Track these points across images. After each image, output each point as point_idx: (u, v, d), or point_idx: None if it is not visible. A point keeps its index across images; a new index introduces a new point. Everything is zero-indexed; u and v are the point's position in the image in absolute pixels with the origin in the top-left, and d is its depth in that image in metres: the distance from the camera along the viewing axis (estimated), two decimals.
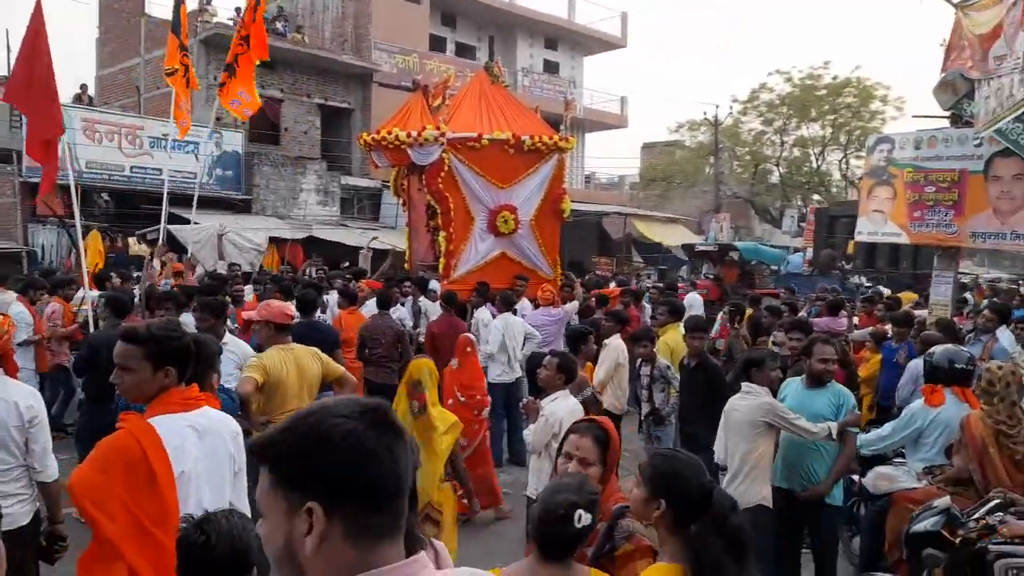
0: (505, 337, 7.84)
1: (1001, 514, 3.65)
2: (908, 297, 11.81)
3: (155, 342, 2.54)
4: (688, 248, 23.39)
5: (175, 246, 14.76)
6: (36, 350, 7.43)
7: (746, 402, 4.49)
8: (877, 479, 4.84)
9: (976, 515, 3.71)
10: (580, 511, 2.16)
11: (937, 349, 5.03)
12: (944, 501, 3.86)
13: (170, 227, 14.90)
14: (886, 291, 13.96)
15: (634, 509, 2.39)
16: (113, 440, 2.45)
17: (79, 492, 2.36)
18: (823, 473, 4.50)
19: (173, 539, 2.35)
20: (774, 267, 20.84)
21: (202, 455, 2.56)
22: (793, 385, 4.80)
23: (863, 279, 17.23)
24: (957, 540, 3.62)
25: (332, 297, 8.86)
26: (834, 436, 4.40)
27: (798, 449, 4.56)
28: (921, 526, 3.83)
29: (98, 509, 2.33)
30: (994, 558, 3.49)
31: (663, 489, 2.23)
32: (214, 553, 1.90)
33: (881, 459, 5.11)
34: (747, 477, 4.37)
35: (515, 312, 8.50)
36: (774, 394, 4.67)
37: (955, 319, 8.91)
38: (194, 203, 10.46)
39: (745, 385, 4.59)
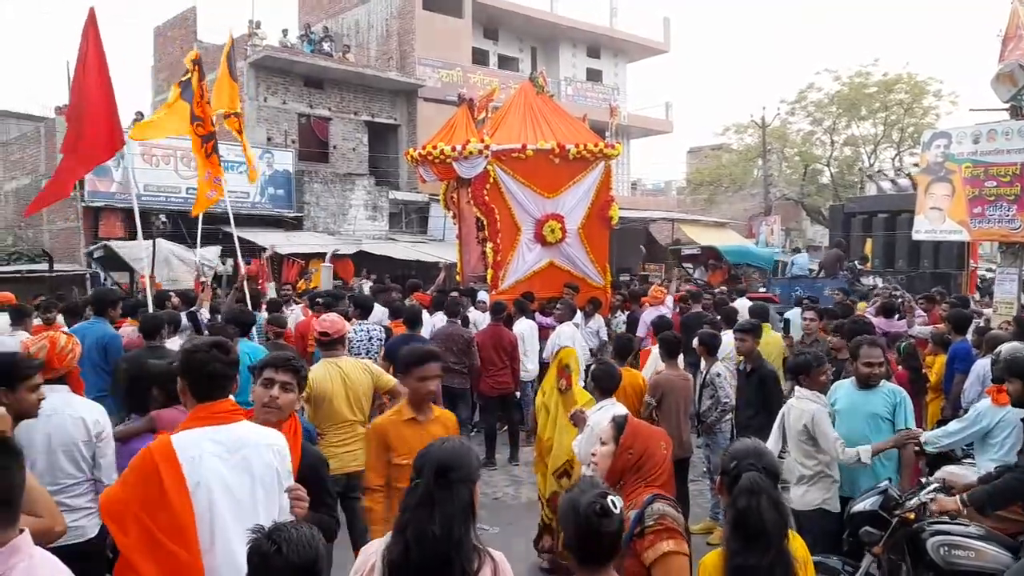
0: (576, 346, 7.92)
1: (934, 493, 3.86)
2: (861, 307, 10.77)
3: (180, 355, 2.73)
4: (675, 252, 22.85)
5: (118, 263, 14.87)
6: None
7: (796, 409, 4.45)
8: (946, 478, 4.71)
9: (914, 496, 3.91)
10: (611, 498, 2.17)
11: (1004, 347, 4.89)
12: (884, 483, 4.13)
13: (112, 243, 15.17)
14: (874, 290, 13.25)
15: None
16: (135, 458, 2.54)
17: (103, 509, 2.47)
18: (885, 477, 4.37)
19: (191, 551, 2.41)
20: (765, 269, 20.22)
21: (229, 468, 2.55)
22: (844, 387, 4.68)
23: (879, 280, 16.30)
24: (894, 519, 3.86)
25: (378, 309, 8.95)
26: (864, 461, 4.24)
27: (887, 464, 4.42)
28: (860, 506, 4.04)
29: (114, 523, 2.41)
30: (928, 536, 3.77)
31: (723, 464, 2.53)
32: (286, 562, 1.93)
33: (948, 458, 4.95)
34: (809, 482, 4.35)
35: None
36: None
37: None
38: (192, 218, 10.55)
39: (797, 390, 4.52)
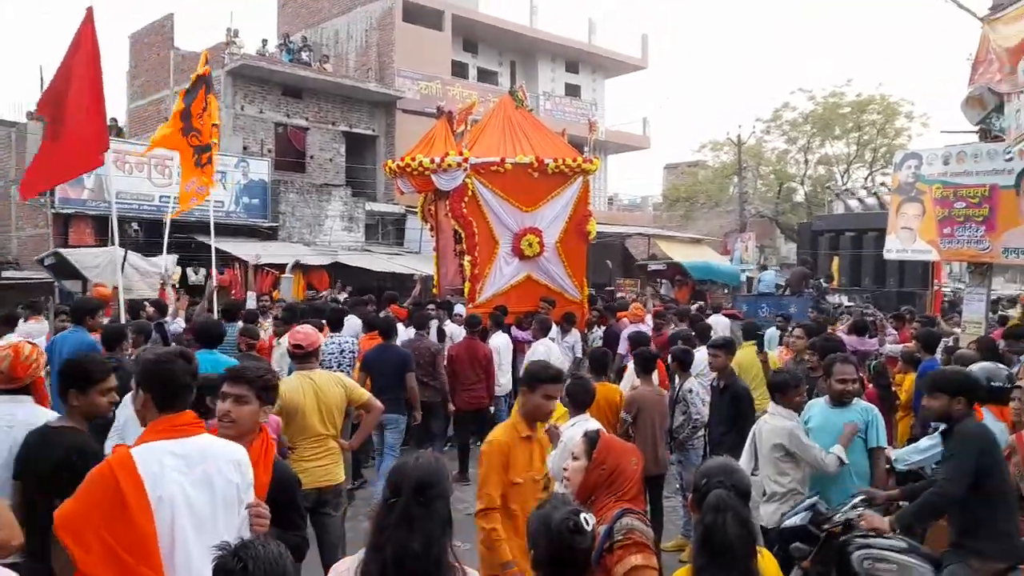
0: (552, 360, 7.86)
1: (862, 508, 3.92)
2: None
3: (141, 365, 2.65)
4: (643, 268, 22.94)
5: (69, 271, 14.42)
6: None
7: (769, 425, 4.46)
8: (868, 492, 4.77)
9: (841, 511, 3.97)
10: (583, 515, 2.17)
11: (975, 367, 4.95)
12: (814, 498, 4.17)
13: (63, 251, 14.86)
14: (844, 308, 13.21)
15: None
16: (93, 472, 2.45)
17: (58, 524, 2.35)
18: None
19: (154, 567, 2.35)
20: (730, 285, 20.32)
21: (189, 482, 2.49)
22: (818, 405, 4.70)
23: (844, 298, 16.21)
24: (822, 534, 3.93)
25: (352, 321, 8.89)
26: (845, 460, 4.28)
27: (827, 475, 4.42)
28: (790, 521, 4.09)
29: (74, 540, 2.32)
30: (853, 550, 3.81)
31: (695, 481, 2.48)
32: None
33: (916, 476, 5.00)
34: (780, 499, 4.36)
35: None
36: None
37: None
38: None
39: (771, 406, 4.52)
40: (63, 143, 6.58)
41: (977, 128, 9.97)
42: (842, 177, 31.90)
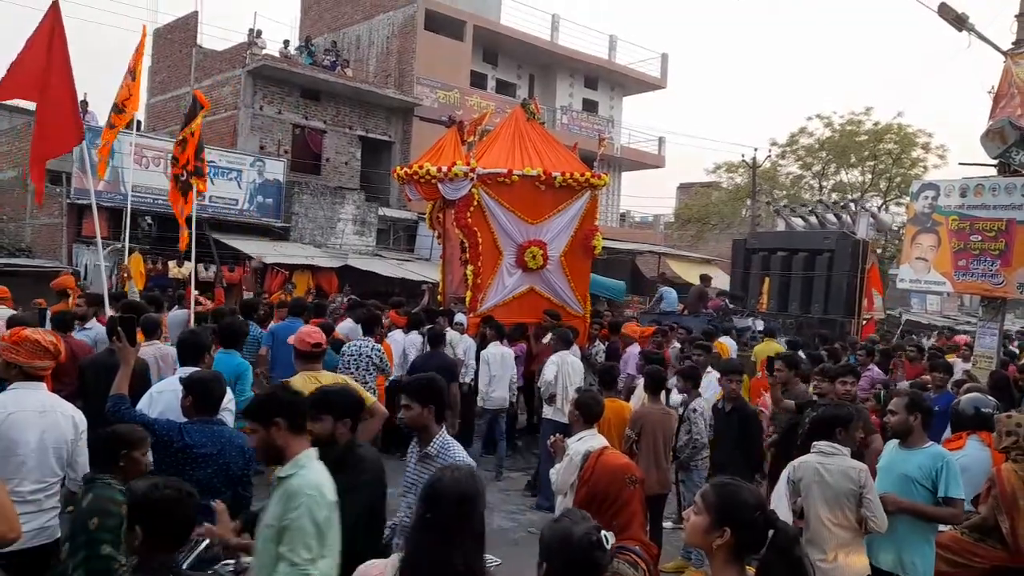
0: (560, 375, 7.56)
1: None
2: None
3: None
4: None
5: None
6: None
7: (836, 465, 3.96)
8: None
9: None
10: (603, 533, 2.12)
11: (964, 396, 4.97)
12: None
13: None
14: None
15: (690, 537, 2.24)
16: None
17: None
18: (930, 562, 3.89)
19: None
20: (615, 300, 19.85)
21: None
22: (892, 444, 4.34)
23: (758, 322, 14.61)
24: None
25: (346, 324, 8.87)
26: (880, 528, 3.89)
27: (915, 530, 4.02)
28: None
29: None
30: None
31: (729, 518, 2.12)
32: None
33: None
34: (848, 548, 3.92)
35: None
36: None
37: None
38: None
39: (828, 445, 4.03)
40: (40, 128, 6.82)
41: (996, 161, 9.92)
42: (855, 204, 31.72)
